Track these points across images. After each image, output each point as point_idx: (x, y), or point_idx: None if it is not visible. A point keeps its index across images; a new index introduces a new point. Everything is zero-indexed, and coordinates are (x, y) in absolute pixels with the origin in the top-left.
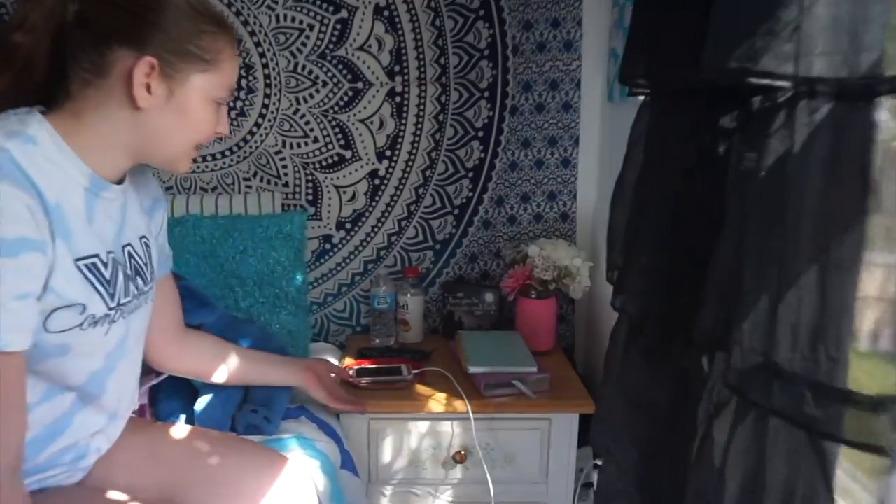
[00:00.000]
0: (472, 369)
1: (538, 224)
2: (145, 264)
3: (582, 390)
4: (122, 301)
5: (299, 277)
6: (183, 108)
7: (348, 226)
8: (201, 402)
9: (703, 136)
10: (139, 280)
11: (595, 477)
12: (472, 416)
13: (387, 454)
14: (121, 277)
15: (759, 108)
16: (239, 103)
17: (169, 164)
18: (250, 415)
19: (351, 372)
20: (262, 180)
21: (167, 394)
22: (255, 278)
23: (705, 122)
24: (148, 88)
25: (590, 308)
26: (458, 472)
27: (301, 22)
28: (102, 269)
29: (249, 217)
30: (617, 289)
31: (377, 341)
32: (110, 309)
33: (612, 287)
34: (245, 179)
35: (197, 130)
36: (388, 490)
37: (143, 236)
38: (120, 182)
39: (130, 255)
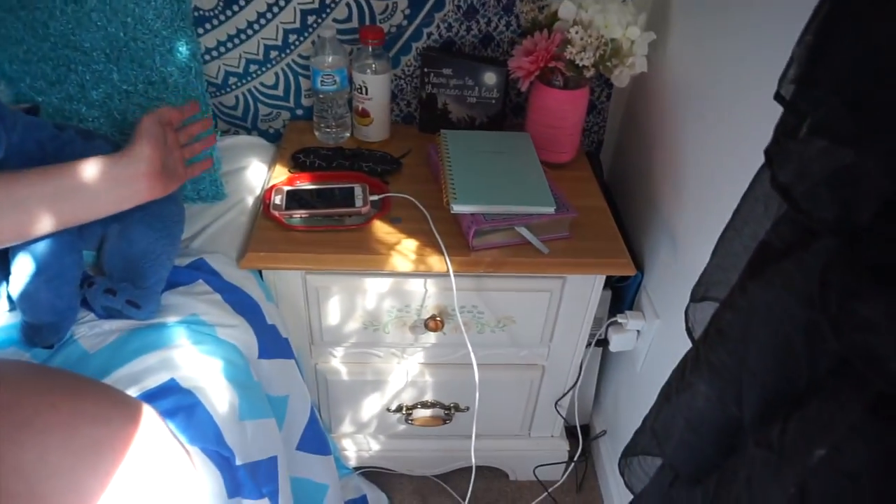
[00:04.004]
0: (458, 208)
1: None
2: None
3: (615, 236)
4: None
5: (183, 48)
6: None
7: None
8: (18, 275)
9: None
10: None
11: (612, 335)
12: (453, 276)
13: (332, 316)
14: None
15: None
16: None
17: None
18: (105, 296)
19: (277, 200)
20: None
21: None
22: (106, 49)
23: None
24: None
25: (634, 93)
26: (431, 337)
27: None
28: None
29: None
30: None
31: (323, 137)
32: None
33: None
34: None
35: None
36: (339, 351)
37: None
38: None
39: None
